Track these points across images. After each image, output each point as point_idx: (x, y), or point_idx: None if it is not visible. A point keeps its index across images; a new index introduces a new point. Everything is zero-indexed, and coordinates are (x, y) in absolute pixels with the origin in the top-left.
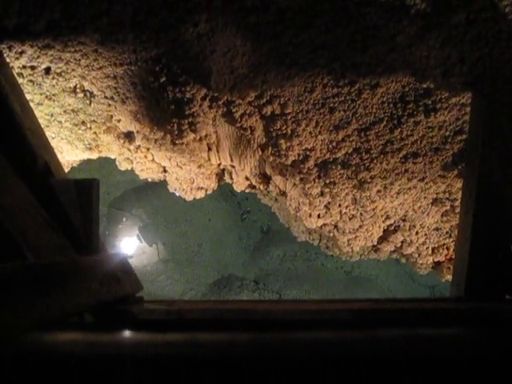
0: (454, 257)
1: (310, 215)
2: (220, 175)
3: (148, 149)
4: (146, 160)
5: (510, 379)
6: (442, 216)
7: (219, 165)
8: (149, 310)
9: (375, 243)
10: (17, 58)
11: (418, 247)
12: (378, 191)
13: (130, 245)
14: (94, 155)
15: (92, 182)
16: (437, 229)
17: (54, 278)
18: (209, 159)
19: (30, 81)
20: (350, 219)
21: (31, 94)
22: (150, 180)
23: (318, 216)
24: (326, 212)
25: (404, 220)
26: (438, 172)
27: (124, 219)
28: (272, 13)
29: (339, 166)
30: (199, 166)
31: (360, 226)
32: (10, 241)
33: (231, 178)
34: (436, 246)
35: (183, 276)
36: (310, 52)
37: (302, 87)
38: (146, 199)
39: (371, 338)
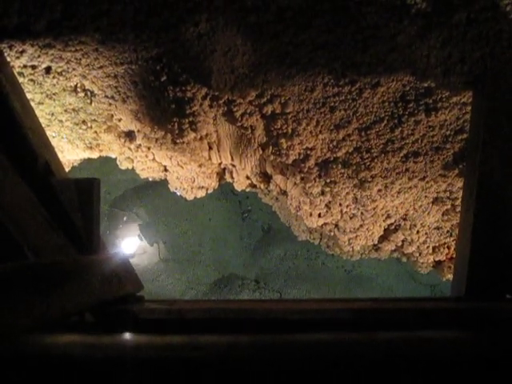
0: (454, 256)
1: (311, 214)
2: (221, 174)
3: (149, 148)
4: (147, 159)
5: (511, 380)
6: (442, 215)
7: (220, 164)
8: (149, 309)
9: (376, 242)
10: (17, 58)
11: (418, 246)
12: (379, 190)
13: (130, 244)
14: (95, 154)
15: (93, 181)
16: (437, 228)
17: (55, 277)
18: (209, 158)
19: (31, 80)
20: (350, 218)
21: (32, 94)
22: (150, 179)
23: (319, 215)
24: (326, 211)
25: (405, 219)
26: (438, 171)
27: (125, 218)
28: (272, 12)
29: (340, 165)
30: (200, 165)
31: (361, 225)
32: (11, 240)
33: (232, 177)
34: (437, 245)
35: (184, 275)
36: (310, 51)
37: (302, 86)
38: (147, 198)
39: (372, 339)
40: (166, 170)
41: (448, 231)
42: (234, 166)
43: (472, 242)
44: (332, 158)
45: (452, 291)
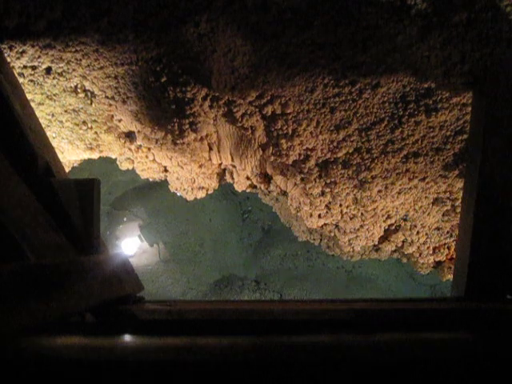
0: (454, 256)
1: (311, 215)
2: (221, 175)
3: (149, 148)
4: (147, 160)
5: (511, 380)
6: (442, 216)
7: (220, 164)
8: (149, 310)
9: (376, 243)
10: (18, 58)
11: (418, 247)
12: (379, 191)
13: (130, 245)
14: (95, 155)
15: (93, 181)
16: (438, 228)
17: (55, 278)
18: (210, 159)
19: (31, 81)
20: (350, 219)
21: (32, 94)
22: (150, 180)
23: (319, 216)
24: (326, 212)
25: (405, 220)
26: (438, 172)
27: (125, 219)
28: (272, 13)
29: (340, 166)
30: (200, 166)
31: (361, 226)
32: (11, 241)
33: (232, 178)
34: (437, 245)
35: (184, 276)
36: (310, 52)
37: (302, 87)
38: (147, 199)
39: (374, 342)
40: (166, 170)
41: (448, 232)
42: (234, 166)
43: (472, 243)
44: (332, 159)
45: (452, 291)
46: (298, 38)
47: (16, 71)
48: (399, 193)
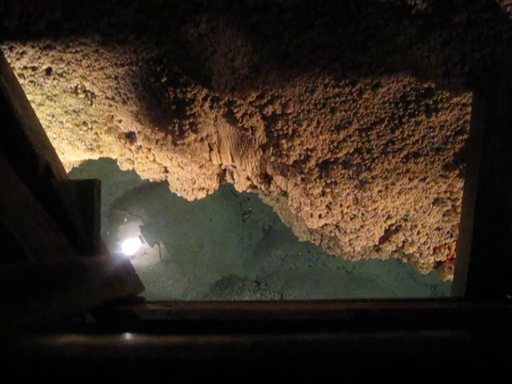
0: (455, 256)
1: (312, 215)
2: (221, 175)
3: (149, 149)
4: (148, 160)
5: (510, 380)
6: (443, 216)
7: (220, 165)
8: (150, 310)
9: (377, 243)
10: (18, 59)
11: (419, 247)
12: (380, 191)
13: (131, 245)
14: (96, 156)
15: (93, 182)
16: (438, 228)
17: (56, 278)
18: (210, 159)
19: (31, 81)
20: (351, 219)
21: (32, 95)
22: (151, 180)
23: (320, 216)
24: (327, 212)
25: (405, 220)
26: (439, 172)
27: (125, 220)
28: (273, 13)
29: (340, 166)
30: (200, 167)
31: (361, 226)
32: (12, 241)
33: (232, 179)
34: (437, 245)
35: (185, 276)
36: (310, 52)
37: (303, 87)
38: (148, 200)
39: (373, 340)
40: (166, 171)
41: (448, 232)
42: (234, 167)
43: (473, 243)
44: (333, 159)
45: (453, 292)
46: (299, 38)
47: (16, 72)
48: (400, 193)
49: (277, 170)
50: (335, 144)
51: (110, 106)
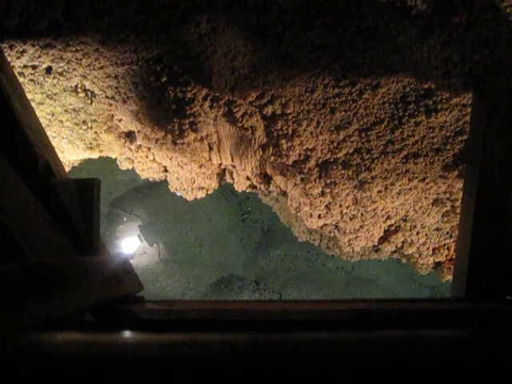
0: (454, 257)
1: (311, 215)
2: (221, 175)
3: (149, 148)
4: (147, 160)
5: (510, 380)
6: (442, 216)
7: (220, 165)
8: (149, 309)
9: (376, 243)
10: (18, 58)
11: (418, 247)
12: (379, 191)
13: (130, 244)
14: (95, 155)
15: (93, 181)
16: (437, 229)
17: (55, 277)
18: (210, 159)
19: (31, 80)
20: (350, 219)
21: (32, 94)
22: (150, 180)
23: (319, 216)
24: (326, 212)
25: (405, 220)
26: (438, 172)
27: (125, 219)
28: (273, 13)
29: (340, 166)
30: (200, 166)
31: (361, 226)
32: (11, 241)
33: (232, 178)
34: (437, 246)
35: (184, 276)
36: (310, 52)
37: (302, 87)
38: (147, 199)
39: (373, 339)
40: (166, 170)
41: (448, 232)
42: (234, 166)
43: (472, 244)
44: (332, 159)
45: (452, 292)
46: (299, 38)
47: (16, 71)
48: (399, 193)
49: (276, 169)
50: (335, 144)
51: (110, 105)
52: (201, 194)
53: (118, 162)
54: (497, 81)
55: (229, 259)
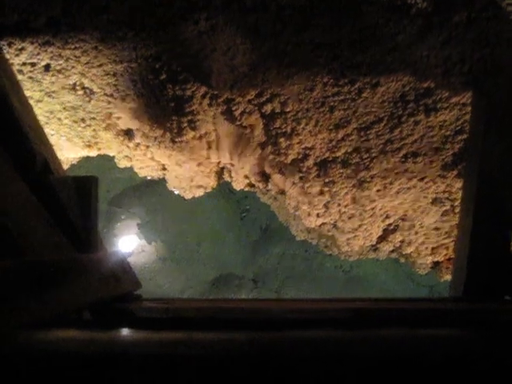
0: (453, 257)
1: (309, 214)
2: (219, 173)
3: (147, 146)
4: (146, 158)
5: (508, 380)
6: (441, 216)
7: (219, 163)
8: (147, 308)
9: (374, 243)
10: (17, 55)
11: (417, 247)
12: (378, 190)
13: (128, 243)
14: (94, 152)
15: (91, 179)
16: (436, 228)
17: (53, 275)
18: (208, 157)
19: (30, 78)
20: (349, 218)
21: (31, 91)
22: (149, 178)
23: (317, 215)
24: (325, 211)
25: (403, 220)
26: (437, 172)
27: (123, 217)
28: (272, 11)
29: (339, 165)
30: (198, 164)
31: (359, 226)
32: (9, 238)
33: (230, 177)
34: (435, 245)
35: (182, 274)
36: (309, 51)
37: (302, 86)
38: (145, 197)
39: (375, 337)
40: (164, 168)
41: (447, 232)
42: (232, 165)
43: (471, 243)
44: (331, 158)
45: (450, 292)
46: (298, 36)
47: (15, 68)
48: (398, 192)
49: (275, 168)
50: (334, 143)
51: (109, 102)
52: (199, 193)
53: (116, 160)
54: (497, 80)
55: (227, 257)
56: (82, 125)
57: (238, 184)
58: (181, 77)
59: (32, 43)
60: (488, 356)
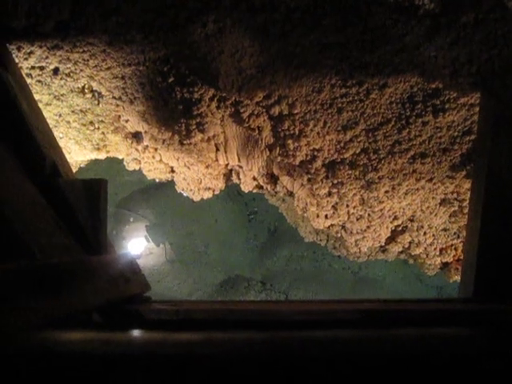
0: (462, 257)
1: (318, 216)
2: (227, 175)
3: (156, 149)
4: (154, 160)
5: None
6: (450, 216)
7: (227, 165)
8: (156, 310)
9: (383, 244)
10: (25, 59)
11: (425, 248)
12: (386, 192)
13: (137, 245)
14: (102, 155)
15: (100, 182)
16: (445, 229)
17: (63, 277)
18: (216, 159)
19: (39, 81)
20: (357, 220)
21: (39, 95)
22: (157, 180)
23: (326, 216)
24: (333, 212)
25: (412, 220)
26: (446, 172)
27: (131, 219)
28: (280, 12)
29: (347, 167)
30: (207, 167)
31: (368, 227)
32: (19, 241)
33: (239, 179)
34: (444, 246)
35: (190, 276)
36: (318, 52)
37: (310, 87)
38: (154, 199)
39: (381, 336)
40: (172, 171)
41: (455, 233)
42: (240, 167)
43: (480, 244)
44: (339, 159)
45: (460, 293)
46: (306, 38)
47: (24, 72)
48: (406, 193)
49: (283, 170)
50: (342, 144)
51: (117, 105)
52: (207, 195)
53: (124, 163)
54: (505, 80)
55: (235, 260)
56: (91, 128)
57: (247, 186)
58: (189, 79)
59: (41, 47)
60: (498, 355)
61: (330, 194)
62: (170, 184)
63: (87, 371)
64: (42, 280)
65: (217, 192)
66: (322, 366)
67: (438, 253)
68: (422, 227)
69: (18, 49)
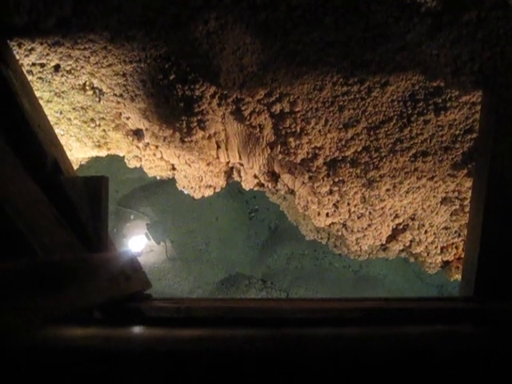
0: (462, 256)
1: (319, 214)
2: (228, 173)
3: (157, 146)
4: (155, 158)
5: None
6: (451, 215)
7: (228, 163)
8: (158, 307)
9: (384, 242)
10: (26, 56)
11: (426, 246)
12: (387, 190)
13: (138, 243)
14: (103, 153)
15: (101, 179)
16: (446, 228)
17: (64, 274)
18: (217, 157)
19: (40, 78)
20: (358, 218)
21: (40, 92)
22: (158, 178)
23: (327, 215)
24: (334, 211)
25: (413, 219)
26: (447, 171)
27: (132, 217)
28: (282, 10)
29: (348, 165)
30: (208, 164)
31: (369, 225)
32: (21, 238)
33: (240, 176)
34: (445, 245)
35: (191, 274)
36: (319, 50)
37: (311, 85)
38: (155, 197)
39: (382, 333)
40: (173, 168)
41: (456, 231)
42: (241, 164)
43: (481, 242)
44: (340, 157)
45: (460, 291)
46: (308, 35)
47: (25, 68)
48: (407, 192)
49: (284, 168)
50: (343, 142)
51: (118, 103)
52: (208, 192)
53: (125, 160)
54: (507, 79)
55: (236, 258)
56: (92, 125)
57: (248, 184)
58: (190, 77)
59: (42, 44)
60: (497, 352)
61: (331, 192)
62: (171, 181)
63: (88, 367)
64: (43, 278)
65: (218, 190)
66: (326, 363)
67: (438, 251)
68: (423, 226)
69: (19, 45)
